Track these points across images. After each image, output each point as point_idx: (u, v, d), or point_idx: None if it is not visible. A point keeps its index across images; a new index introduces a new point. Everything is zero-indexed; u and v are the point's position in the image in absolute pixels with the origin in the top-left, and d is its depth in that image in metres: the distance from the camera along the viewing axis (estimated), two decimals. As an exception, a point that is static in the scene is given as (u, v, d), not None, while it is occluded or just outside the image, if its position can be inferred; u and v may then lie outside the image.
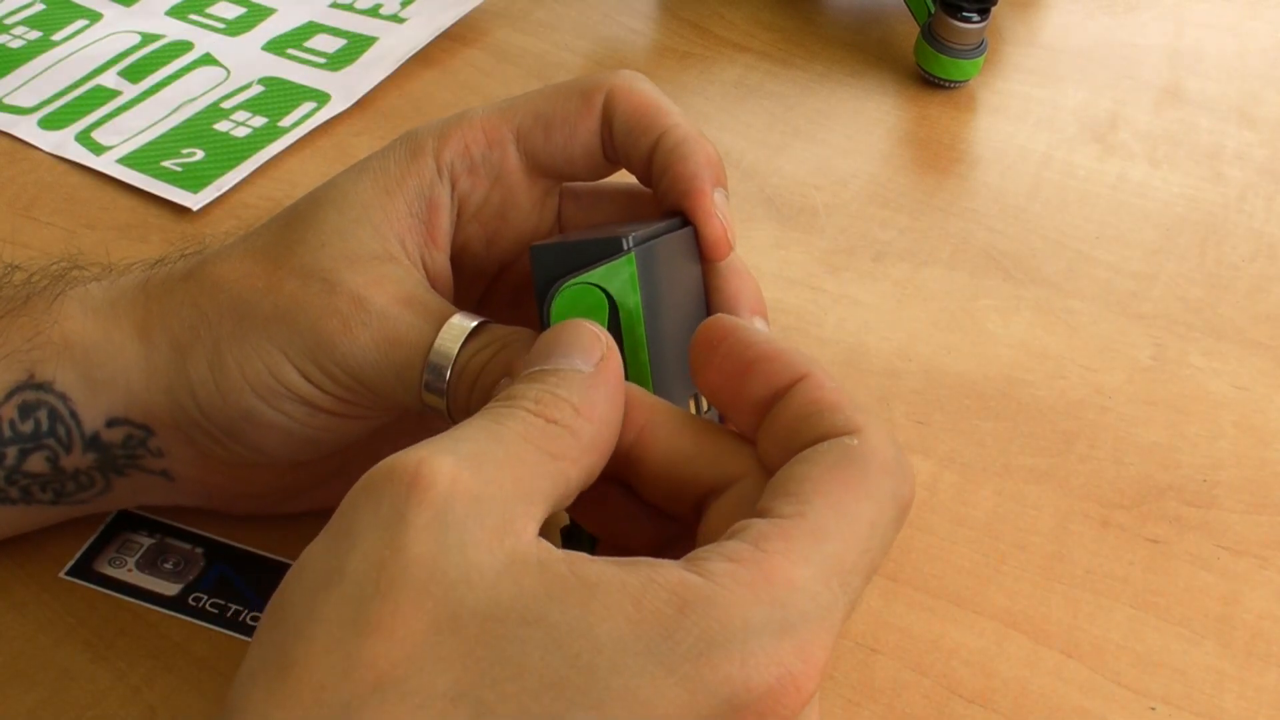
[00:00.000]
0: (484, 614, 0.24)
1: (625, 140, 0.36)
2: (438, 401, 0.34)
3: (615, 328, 0.32)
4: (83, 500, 0.38)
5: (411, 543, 0.25)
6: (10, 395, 0.35)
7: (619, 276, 0.31)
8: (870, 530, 0.27)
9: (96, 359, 0.35)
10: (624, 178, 0.38)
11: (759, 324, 0.35)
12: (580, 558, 0.25)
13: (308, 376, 0.34)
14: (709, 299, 0.36)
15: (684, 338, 0.34)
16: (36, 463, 0.36)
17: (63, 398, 0.35)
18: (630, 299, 0.32)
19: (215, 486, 0.38)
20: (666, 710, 0.24)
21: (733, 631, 0.24)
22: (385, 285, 0.34)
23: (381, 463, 0.26)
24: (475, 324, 0.34)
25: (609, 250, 0.32)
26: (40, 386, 0.35)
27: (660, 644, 0.24)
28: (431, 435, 0.40)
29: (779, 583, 0.25)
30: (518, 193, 0.37)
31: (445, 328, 0.33)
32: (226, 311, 0.35)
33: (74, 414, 0.35)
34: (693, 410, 0.34)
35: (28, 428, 0.35)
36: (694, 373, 0.31)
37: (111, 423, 0.36)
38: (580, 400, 0.28)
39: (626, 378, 0.31)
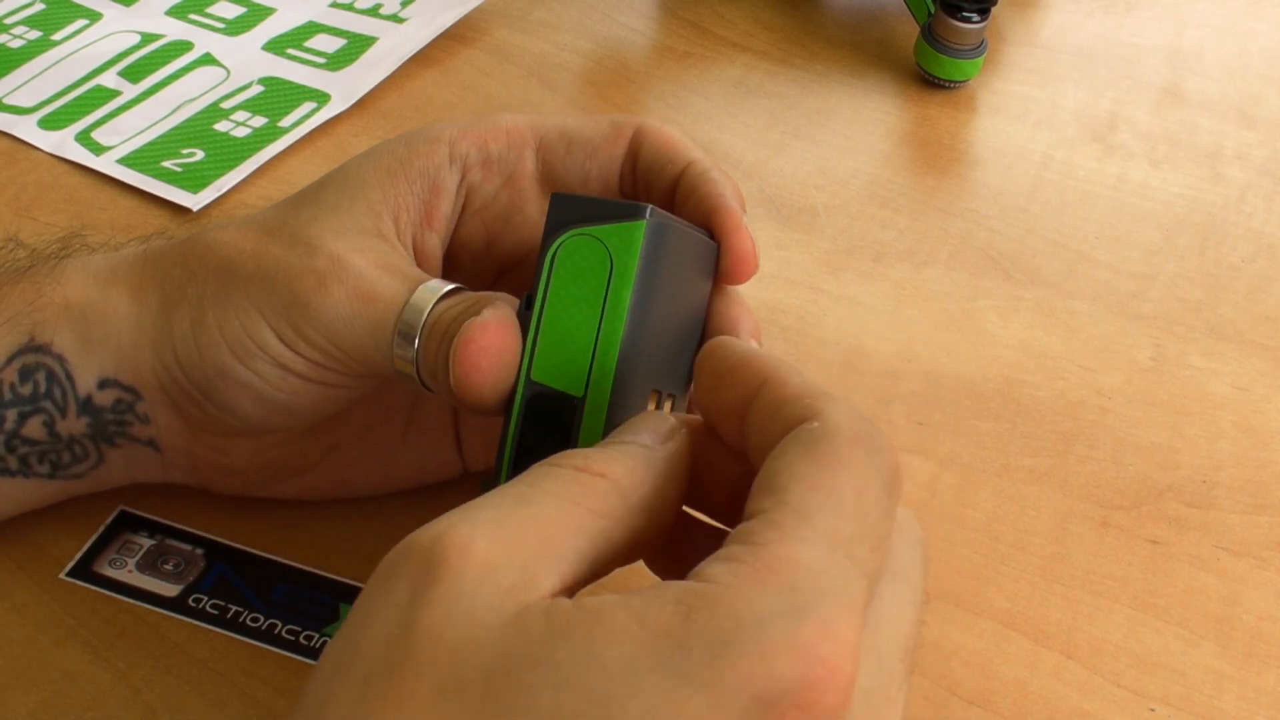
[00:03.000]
0: (489, 670, 0.23)
1: (650, 167, 0.37)
2: (408, 366, 0.34)
3: (605, 290, 0.32)
4: (78, 474, 0.38)
5: (420, 619, 0.24)
6: (12, 359, 0.36)
7: (626, 239, 0.31)
8: (857, 499, 0.26)
9: (92, 318, 0.36)
10: None
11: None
12: (588, 594, 0.25)
13: (282, 337, 0.35)
14: (708, 320, 0.36)
15: (667, 338, 0.34)
16: (34, 428, 0.36)
17: (59, 359, 0.36)
18: (629, 265, 0.31)
19: (201, 459, 0.39)
20: None
21: (746, 625, 0.23)
22: (367, 253, 0.35)
23: (400, 543, 0.26)
24: (451, 287, 0.34)
25: (627, 212, 0.32)
26: (39, 349, 0.36)
27: (672, 656, 0.23)
28: (418, 427, 0.40)
29: (783, 568, 0.24)
30: (526, 199, 0.38)
31: (421, 288, 0.34)
32: (213, 272, 0.36)
33: (69, 375, 0.36)
34: (652, 408, 0.33)
35: (27, 390, 0.36)
36: (694, 394, 0.31)
37: (103, 384, 0.37)
38: (635, 464, 0.28)
39: (595, 337, 0.31)
